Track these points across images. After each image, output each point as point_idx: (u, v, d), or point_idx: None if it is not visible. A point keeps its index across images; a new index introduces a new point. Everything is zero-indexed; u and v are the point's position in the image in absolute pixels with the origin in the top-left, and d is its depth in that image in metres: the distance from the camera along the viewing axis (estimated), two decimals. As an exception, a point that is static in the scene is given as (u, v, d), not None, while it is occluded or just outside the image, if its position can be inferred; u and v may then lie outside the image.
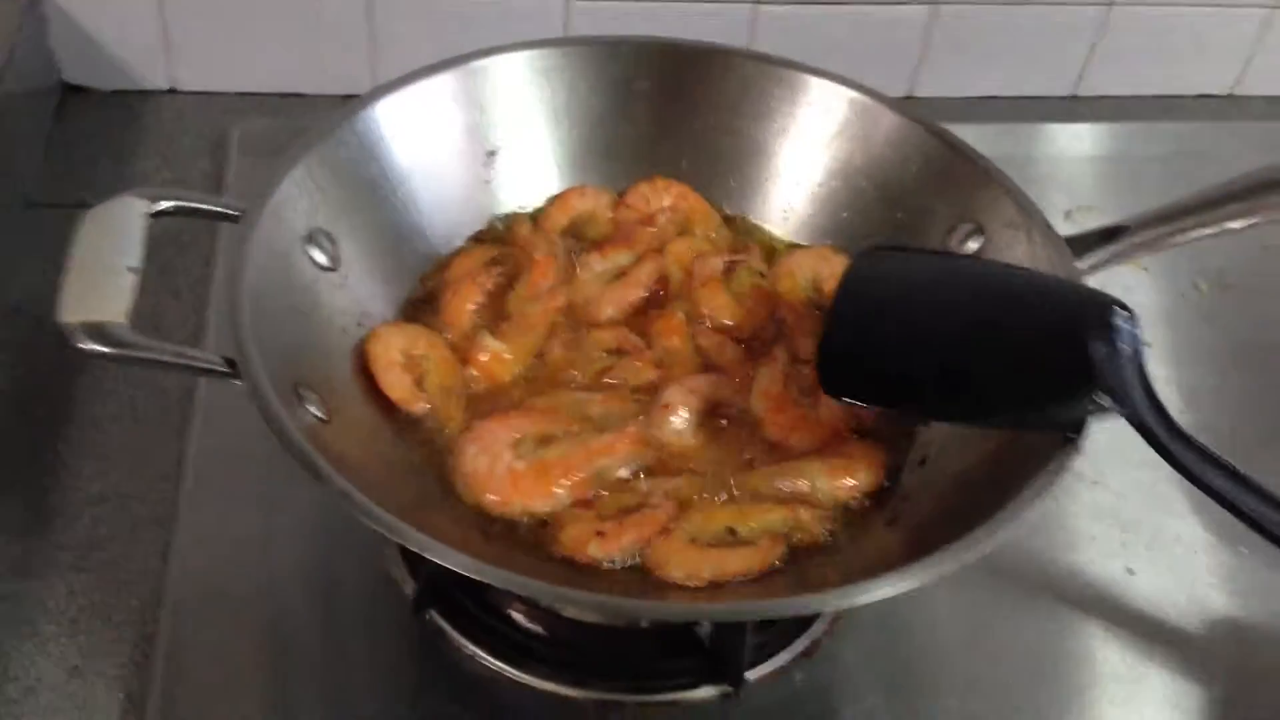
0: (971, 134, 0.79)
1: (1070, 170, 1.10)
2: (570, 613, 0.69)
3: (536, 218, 0.83)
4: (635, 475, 0.69)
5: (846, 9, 1.10)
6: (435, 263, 0.79)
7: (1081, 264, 0.72)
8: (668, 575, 0.64)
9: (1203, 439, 0.61)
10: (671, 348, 0.76)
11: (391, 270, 0.77)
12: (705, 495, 0.68)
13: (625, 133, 0.85)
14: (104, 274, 0.62)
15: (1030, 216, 0.74)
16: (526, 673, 0.69)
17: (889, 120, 0.81)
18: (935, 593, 0.60)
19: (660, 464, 0.69)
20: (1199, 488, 0.59)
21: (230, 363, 0.60)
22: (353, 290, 0.73)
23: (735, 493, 0.69)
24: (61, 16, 1.03)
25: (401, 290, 0.77)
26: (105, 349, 0.59)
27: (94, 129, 1.05)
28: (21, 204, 0.95)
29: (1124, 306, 0.63)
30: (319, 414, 0.64)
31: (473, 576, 0.54)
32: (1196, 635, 0.76)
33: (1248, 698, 0.73)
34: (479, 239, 0.82)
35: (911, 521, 0.66)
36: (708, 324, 0.77)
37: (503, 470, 0.67)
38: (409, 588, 0.71)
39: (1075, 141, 1.14)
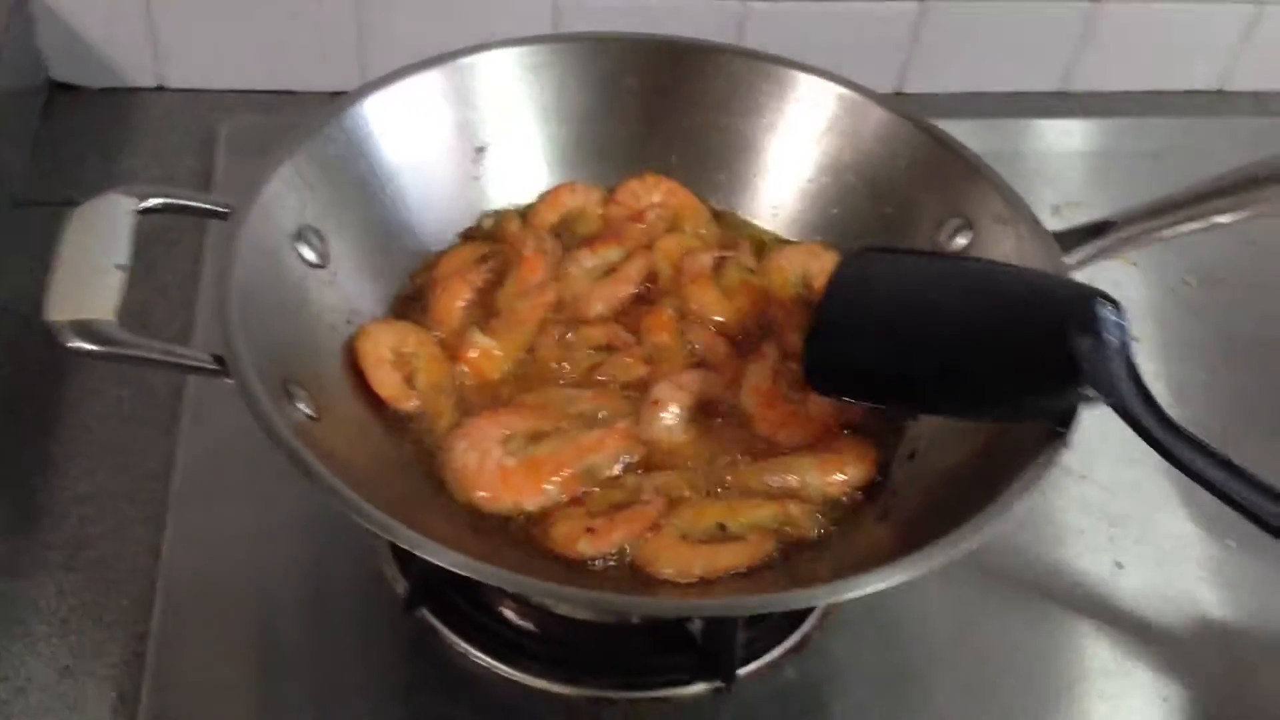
0: (960, 129, 0.79)
1: (1058, 165, 1.11)
2: (562, 610, 0.70)
3: (526, 214, 0.83)
4: (626, 471, 0.69)
5: (835, 5, 1.10)
6: (424, 260, 0.79)
7: (1069, 259, 0.72)
8: (658, 571, 0.64)
9: (1192, 433, 0.61)
10: (661, 344, 0.76)
11: (381, 267, 0.76)
12: (695, 491, 0.68)
13: (615, 129, 0.84)
14: (92, 272, 0.62)
15: (1018, 211, 0.74)
16: (518, 670, 0.69)
17: (878, 116, 0.81)
18: (925, 587, 0.60)
19: (650, 460, 0.70)
20: (1189, 476, 0.59)
21: (219, 360, 0.60)
22: (342, 287, 0.73)
23: (725, 489, 0.69)
24: (49, 15, 1.03)
25: (391, 287, 0.77)
26: (94, 347, 0.58)
27: (82, 126, 1.04)
28: (9, 202, 0.95)
29: (1110, 298, 0.63)
30: (309, 412, 0.64)
31: (463, 573, 0.54)
32: (1185, 629, 0.76)
33: (1235, 690, 0.74)
34: (468, 236, 0.82)
35: (901, 516, 0.67)
36: (697, 320, 0.78)
37: (493, 467, 0.67)
38: (400, 586, 0.71)
39: (1063, 137, 1.15)
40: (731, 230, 0.84)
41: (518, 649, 0.69)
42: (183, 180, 1.00)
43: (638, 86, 0.84)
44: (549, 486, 0.67)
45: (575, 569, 0.64)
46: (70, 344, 0.58)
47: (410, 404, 0.71)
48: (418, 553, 0.54)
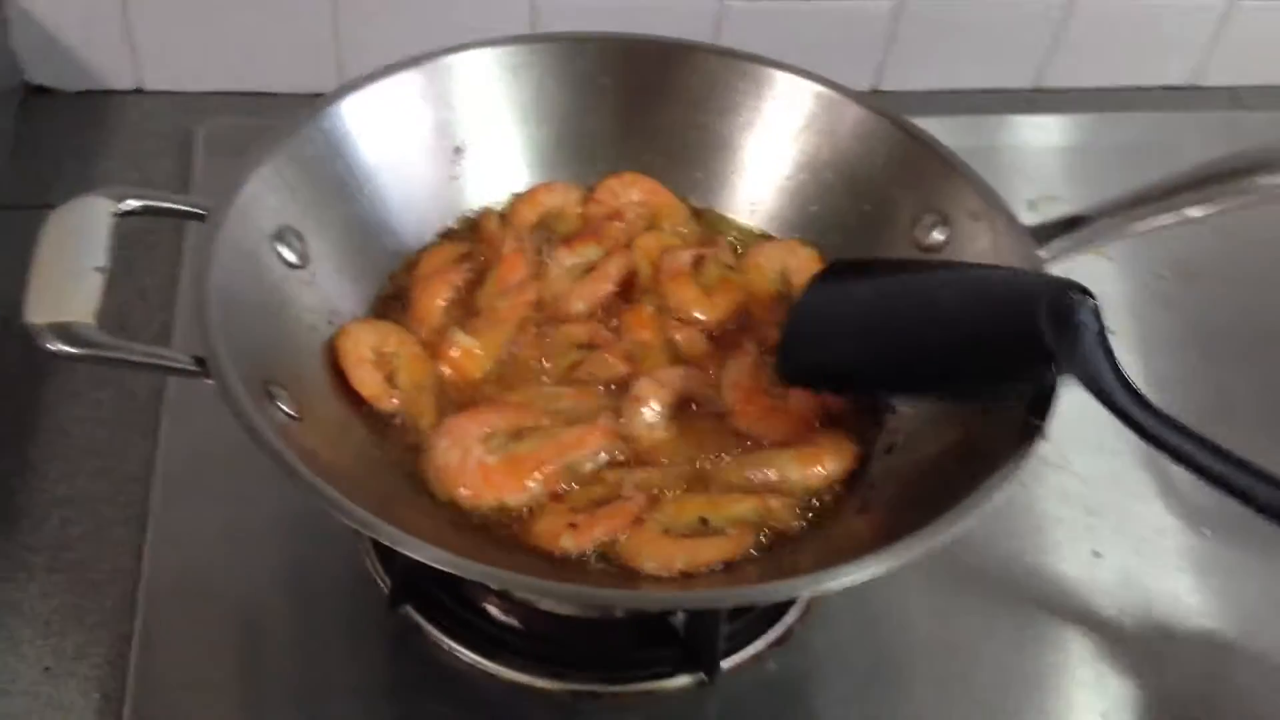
0: (936, 126, 0.80)
1: (1034, 161, 1.11)
2: (545, 605, 0.70)
3: (505, 214, 0.83)
4: (607, 467, 0.69)
5: (811, 4, 1.11)
6: (404, 260, 0.79)
7: (1044, 253, 0.72)
8: (640, 566, 0.64)
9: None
10: (642, 341, 0.76)
11: (361, 267, 0.77)
12: (677, 486, 0.68)
13: (593, 128, 0.85)
14: (70, 275, 0.61)
15: (994, 206, 0.75)
16: (503, 666, 0.69)
17: (854, 113, 0.81)
18: (905, 578, 0.61)
19: (632, 456, 0.70)
20: (1168, 454, 0.60)
21: (200, 362, 0.60)
22: (322, 287, 0.73)
23: (707, 483, 0.69)
24: (24, 17, 1.02)
25: (371, 287, 0.77)
26: (73, 349, 0.58)
27: (59, 129, 1.04)
28: (-14, 206, 0.95)
29: (1083, 288, 0.64)
30: (290, 412, 0.64)
31: (447, 570, 0.54)
32: (1162, 617, 0.77)
33: (1211, 677, 0.74)
34: (448, 235, 0.82)
35: (881, 509, 0.67)
36: (677, 317, 0.78)
37: (474, 464, 0.67)
38: (384, 584, 0.71)
39: (1039, 132, 1.15)
40: (710, 228, 0.85)
41: (502, 645, 0.69)
42: (160, 182, 0.99)
43: (615, 85, 0.84)
44: (531, 483, 0.67)
45: (558, 565, 0.64)
46: (50, 346, 0.58)
47: (391, 403, 0.71)
48: (400, 549, 0.55)
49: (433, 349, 0.74)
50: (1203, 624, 0.76)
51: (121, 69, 1.07)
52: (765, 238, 0.84)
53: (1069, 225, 0.74)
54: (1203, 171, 0.73)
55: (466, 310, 0.77)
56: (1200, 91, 1.25)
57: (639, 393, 0.71)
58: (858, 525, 0.67)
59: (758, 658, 0.71)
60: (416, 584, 0.70)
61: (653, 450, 0.70)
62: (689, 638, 0.69)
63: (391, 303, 0.77)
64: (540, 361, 0.75)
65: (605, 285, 0.79)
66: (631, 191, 0.84)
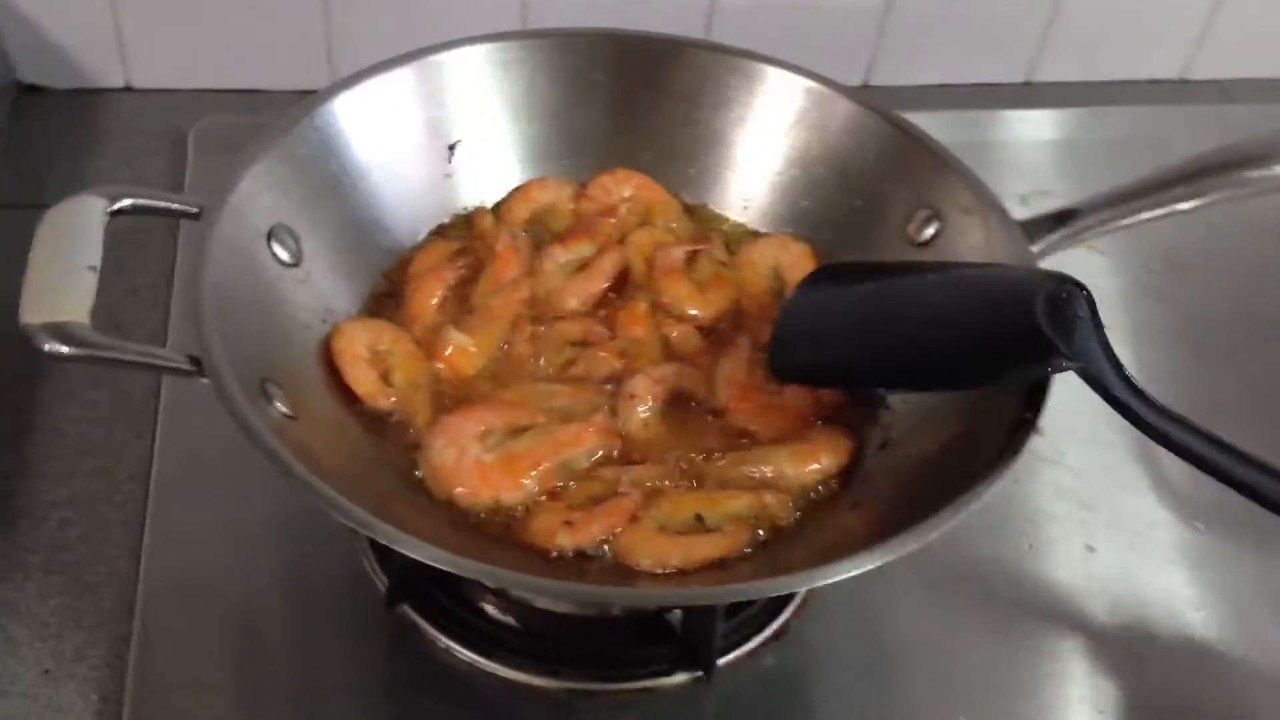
0: (928, 121, 0.80)
1: (1025, 155, 1.12)
2: (542, 603, 0.70)
3: (498, 210, 0.83)
4: (603, 465, 0.69)
5: (802, -1, 1.11)
6: (398, 257, 0.79)
7: (1035, 247, 0.73)
8: (637, 563, 0.64)
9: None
10: (636, 338, 0.76)
11: (354, 265, 0.77)
12: (672, 483, 0.69)
13: (585, 124, 0.85)
14: (64, 274, 0.61)
15: (985, 201, 0.75)
16: (500, 664, 0.69)
17: (846, 109, 0.82)
18: (899, 573, 0.61)
19: (627, 453, 0.70)
20: (1168, 446, 0.61)
21: (195, 361, 0.60)
22: (316, 286, 0.73)
23: (702, 480, 0.69)
24: (14, 16, 1.02)
25: (365, 285, 0.77)
26: (68, 349, 0.58)
27: (50, 129, 1.04)
28: (-24, 206, 0.95)
29: (1076, 281, 0.64)
30: (286, 410, 0.64)
31: (444, 568, 0.54)
32: (1156, 610, 0.77)
33: (1206, 669, 0.75)
34: (441, 233, 0.82)
35: (875, 504, 0.67)
36: (671, 314, 0.78)
37: (470, 463, 0.67)
38: (381, 582, 0.72)
39: (1029, 127, 1.16)
40: (703, 223, 0.85)
41: (499, 643, 0.69)
42: (153, 181, 0.99)
43: (607, 82, 0.84)
44: (527, 481, 0.67)
45: (554, 562, 0.64)
46: (45, 347, 0.58)
47: (387, 401, 0.71)
48: (397, 548, 0.55)
49: (427, 347, 0.74)
50: (1196, 617, 0.77)
51: (112, 67, 1.07)
52: (757, 234, 0.84)
53: (1060, 219, 0.74)
54: (1193, 165, 0.74)
55: (460, 307, 0.77)
56: (1189, 85, 1.25)
57: (633, 389, 0.72)
58: (852, 521, 0.67)
59: (755, 654, 0.71)
60: (414, 583, 0.70)
61: (648, 446, 0.71)
62: (686, 635, 0.69)
63: (385, 300, 0.77)
64: (535, 359, 0.75)
65: (599, 282, 0.79)
66: (624, 188, 0.84)
